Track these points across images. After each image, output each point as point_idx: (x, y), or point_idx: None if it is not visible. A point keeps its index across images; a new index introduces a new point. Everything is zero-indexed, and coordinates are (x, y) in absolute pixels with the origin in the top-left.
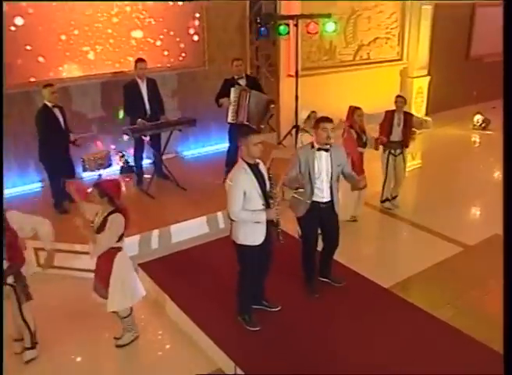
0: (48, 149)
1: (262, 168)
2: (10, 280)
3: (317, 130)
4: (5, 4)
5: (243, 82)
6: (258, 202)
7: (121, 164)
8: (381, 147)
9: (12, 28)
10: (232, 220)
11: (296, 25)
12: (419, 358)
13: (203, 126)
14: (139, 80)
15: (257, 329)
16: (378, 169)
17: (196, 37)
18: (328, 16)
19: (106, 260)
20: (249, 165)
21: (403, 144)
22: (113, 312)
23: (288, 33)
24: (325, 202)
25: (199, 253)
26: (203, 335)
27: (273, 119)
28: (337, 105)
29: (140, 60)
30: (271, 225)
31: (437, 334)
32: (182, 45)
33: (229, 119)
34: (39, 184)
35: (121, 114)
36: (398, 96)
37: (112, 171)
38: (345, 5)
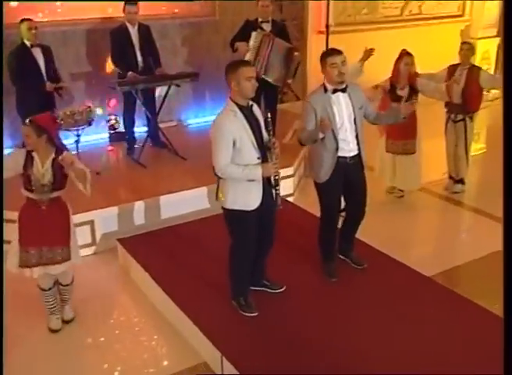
0: (23, 99)
1: (257, 111)
2: None
3: (325, 68)
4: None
5: (267, 27)
6: (252, 154)
7: (110, 131)
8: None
9: None
10: (218, 177)
11: None
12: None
13: (211, 89)
14: (129, 26)
15: (255, 314)
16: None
17: None
18: None
19: (53, 216)
20: (240, 107)
21: (467, 107)
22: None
23: None
24: (352, 156)
25: (192, 230)
26: (188, 322)
27: (298, 85)
28: (377, 68)
29: (130, 3)
30: (268, 185)
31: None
32: None
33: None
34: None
35: (109, 66)
36: (464, 43)
37: (102, 138)
38: None
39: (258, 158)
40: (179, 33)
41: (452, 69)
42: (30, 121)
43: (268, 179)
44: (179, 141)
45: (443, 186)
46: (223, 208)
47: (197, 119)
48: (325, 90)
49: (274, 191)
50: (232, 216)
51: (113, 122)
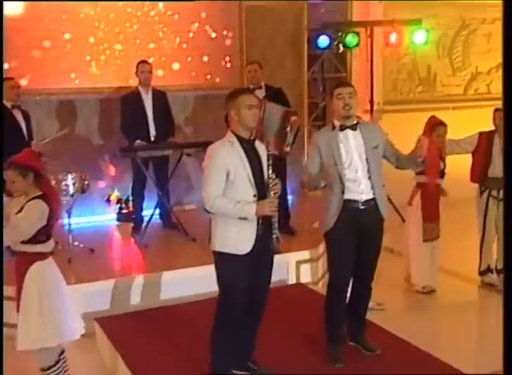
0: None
1: (260, 146)
2: None
3: (332, 101)
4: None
5: (260, 93)
6: (247, 191)
7: (117, 209)
8: (476, 186)
9: None
10: (208, 212)
11: (370, 35)
12: None
13: None
14: (142, 91)
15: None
16: (472, 221)
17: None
18: (418, 22)
19: (18, 270)
20: (239, 138)
21: None
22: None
23: (358, 45)
24: (366, 201)
25: (185, 312)
26: None
27: None
28: None
29: (143, 62)
30: (265, 227)
31: None
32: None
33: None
34: None
35: None
36: (497, 109)
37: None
38: (450, 14)
39: (254, 195)
40: (201, 105)
41: (486, 137)
42: (10, 163)
43: (266, 220)
44: (194, 224)
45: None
46: (213, 252)
47: None
48: (333, 127)
49: (271, 234)
50: (221, 261)
51: (113, 197)
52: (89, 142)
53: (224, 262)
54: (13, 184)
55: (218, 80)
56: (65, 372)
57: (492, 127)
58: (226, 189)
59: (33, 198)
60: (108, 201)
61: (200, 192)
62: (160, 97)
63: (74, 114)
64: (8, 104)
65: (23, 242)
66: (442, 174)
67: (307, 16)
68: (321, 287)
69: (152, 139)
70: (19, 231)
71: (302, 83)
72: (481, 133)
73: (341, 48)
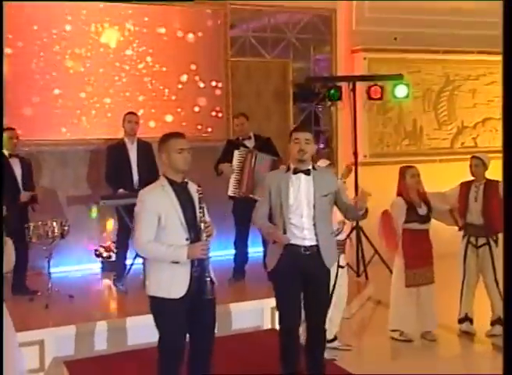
0: None
1: (192, 188)
2: None
3: (289, 143)
4: (4, 4)
5: (250, 143)
6: (179, 234)
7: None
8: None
9: None
10: (141, 257)
11: (353, 89)
12: None
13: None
14: (127, 142)
15: None
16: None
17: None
18: (399, 77)
19: None
20: (171, 182)
21: (489, 228)
22: None
23: (340, 98)
24: (309, 247)
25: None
26: None
27: None
28: None
29: (130, 113)
30: (201, 270)
31: None
32: (197, 109)
33: (230, 192)
34: None
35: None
36: (473, 157)
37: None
38: (435, 70)
39: (187, 239)
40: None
41: (465, 186)
42: None
43: (201, 263)
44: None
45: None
46: (148, 296)
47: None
48: (288, 169)
49: (203, 278)
50: (156, 305)
51: (102, 250)
52: (77, 191)
53: (159, 307)
54: None
55: (209, 129)
56: None
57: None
58: (158, 233)
59: None
60: (97, 255)
61: (134, 235)
62: (145, 147)
63: (64, 164)
64: (6, 152)
65: None
66: (422, 219)
67: (292, 71)
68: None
69: (136, 188)
70: None
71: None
72: (461, 184)
73: (328, 102)
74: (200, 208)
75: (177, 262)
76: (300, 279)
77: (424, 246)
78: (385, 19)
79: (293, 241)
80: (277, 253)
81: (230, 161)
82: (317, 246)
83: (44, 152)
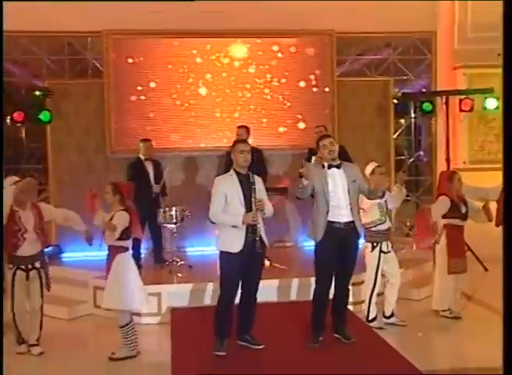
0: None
1: (256, 179)
2: (38, 264)
3: (319, 150)
4: (4, 4)
5: None
6: (239, 208)
7: None
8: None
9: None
10: (212, 223)
11: (446, 103)
12: None
13: None
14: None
15: (222, 354)
16: None
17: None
18: (490, 90)
19: (110, 258)
20: (237, 173)
21: None
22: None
23: (432, 111)
24: (346, 222)
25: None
26: None
27: None
28: None
29: (241, 127)
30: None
31: None
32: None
33: (297, 193)
34: None
35: None
36: None
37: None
38: None
39: (244, 212)
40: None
41: None
42: (111, 184)
43: (253, 228)
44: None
45: None
46: (218, 251)
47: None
48: (323, 166)
49: (253, 236)
50: (222, 257)
51: None
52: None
53: (223, 258)
54: (106, 195)
55: None
56: (134, 333)
57: None
58: (225, 207)
59: (119, 211)
60: None
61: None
62: (256, 153)
63: (196, 167)
64: (142, 157)
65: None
66: (463, 216)
67: (393, 88)
68: None
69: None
70: (112, 231)
71: (389, 144)
72: None
73: (421, 115)
74: (254, 190)
75: (236, 227)
76: (337, 247)
77: (462, 240)
78: (487, 37)
79: (333, 219)
80: (321, 227)
81: None
82: (352, 222)
83: (182, 157)
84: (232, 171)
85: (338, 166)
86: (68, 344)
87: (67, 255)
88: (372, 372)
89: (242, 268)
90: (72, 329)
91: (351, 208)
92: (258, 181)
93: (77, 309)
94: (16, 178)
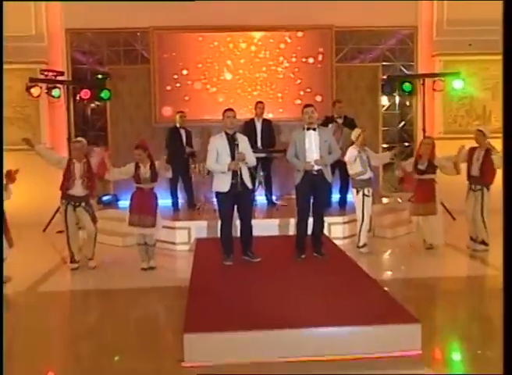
0: (170, 158)
1: (238, 137)
2: (83, 204)
3: (302, 115)
4: (5, 4)
5: (340, 121)
6: (227, 159)
7: None
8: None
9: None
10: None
11: (423, 84)
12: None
13: None
14: (256, 119)
15: (229, 264)
16: None
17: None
18: (457, 74)
19: (150, 197)
20: (226, 133)
21: (483, 179)
22: (144, 244)
23: (411, 90)
24: (316, 171)
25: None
26: None
27: None
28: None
29: (259, 102)
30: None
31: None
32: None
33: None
34: None
35: None
36: (478, 130)
37: None
38: (500, 67)
39: (229, 161)
40: None
41: (472, 150)
42: (139, 146)
43: (237, 173)
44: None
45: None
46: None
47: None
48: (303, 128)
49: (236, 179)
50: (216, 195)
51: None
52: None
53: (217, 196)
54: (138, 155)
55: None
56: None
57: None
58: (218, 158)
59: (152, 163)
60: None
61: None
62: (267, 123)
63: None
64: (178, 125)
65: (152, 182)
66: (421, 172)
67: (381, 72)
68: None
69: (259, 147)
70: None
71: (378, 117)
72: (470, 148)
73: (404, 94)
74: (237, 146)
75: (224, 172)
76: (311, 188)
77: (422, 189)
78: (459, 31)
79: (308, 168)
80: (300, 174)
81: None
82: (321, 170)
83: (210, 127)
84: (222, 132)
85: (314, 129)
86: (120, 260)
87: (122, 202)
88: (338, 275)
89: (233, 204)
90: (124, 252)
91: (321, 161)
92: (242, 139)
93: (127, 240)
94: (79, 139)
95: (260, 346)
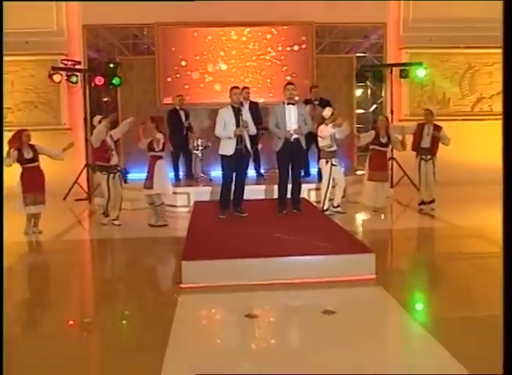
0: (172, 135)
1: (243, 110)
2: (116, 170)
3: (284, 91)
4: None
5: (316, 102)
6: (232, 128)
7: None
8: (414, 154)
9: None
10: (217, 137)
11: (390, 72)
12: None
13: None
14: (244, 102)
15: (223, 217)
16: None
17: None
18: (420, 64)
19: (152, 164)
20: (232, 106)
21: (433, 150)
22: (151, 204)
23: (381, 79)
24: (294, 139)
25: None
26: None
27: None
28: (451, 153)
29: (245, 87)
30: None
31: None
32: None
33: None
34: None
35: None
36: (427, 109)
37: None
38: (459, 59)
39: (235, 128)
40: None
41: (421, 125)
42: (150, 117)
43: (241, 139)
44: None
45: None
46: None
47: None
48: (283, 103)
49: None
50: (221, 159)
51: None
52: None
53: (222, 160)
54: (149, 127)
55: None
56: (164, 210)
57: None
58: (225, 126)
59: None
60: None
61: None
62: (254, 105)
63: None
64: (177, 107)
65: (155, 151)
66: (382, 144)
67: (355, 62)
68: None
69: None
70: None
71: (352, 101)
72: (418, 124)
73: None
74: (241, 116)
75: (230, 138)
76: (290, 155)
77: (380, 159)
78: (423, 27)
79: (287, 136)
80: (280, 142)
81: None
82: (298, 139)
83: (208, 109)
84: (229, 105)
85: (293, 104)
86: (130, 221)
87: (131, 175)
88: (312, 222)
89: (234, 165)
90: (133, 214)
91: (298, 131)
92: (246, 111)
93: (136, 204)
94: (99, 117)
95: (245, 271)
